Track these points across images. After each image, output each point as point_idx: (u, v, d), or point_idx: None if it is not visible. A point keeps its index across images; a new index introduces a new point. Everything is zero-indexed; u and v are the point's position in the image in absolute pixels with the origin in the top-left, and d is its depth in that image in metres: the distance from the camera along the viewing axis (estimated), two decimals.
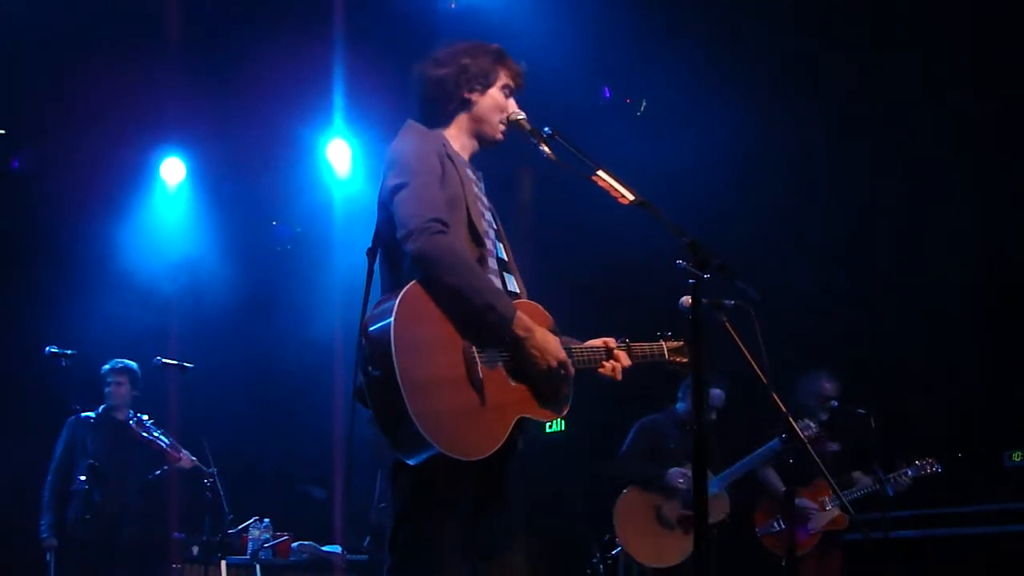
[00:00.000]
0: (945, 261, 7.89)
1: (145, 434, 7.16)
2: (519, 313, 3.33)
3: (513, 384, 3.36)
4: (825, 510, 6.89)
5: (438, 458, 3.13)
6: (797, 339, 7.39)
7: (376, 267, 3.44)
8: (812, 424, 6.61)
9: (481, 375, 3.26)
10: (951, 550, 7.66)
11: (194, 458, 7.28)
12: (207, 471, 7.14)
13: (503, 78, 3.66)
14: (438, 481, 3.23)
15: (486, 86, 3.63)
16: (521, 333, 3.32)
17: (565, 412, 3.49)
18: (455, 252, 3.25)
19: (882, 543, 6.53)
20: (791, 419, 4.26)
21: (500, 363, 3.34)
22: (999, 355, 7.92)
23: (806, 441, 4.74)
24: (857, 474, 6.97)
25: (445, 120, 3.64)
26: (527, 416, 3.38)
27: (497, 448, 3.25)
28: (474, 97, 3.63)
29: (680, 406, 7.17)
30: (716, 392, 6.96)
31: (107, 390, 7.46)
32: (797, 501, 6.94)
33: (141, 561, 7.36)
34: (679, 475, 6.79)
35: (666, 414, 7.25)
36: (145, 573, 7.45)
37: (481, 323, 3.27)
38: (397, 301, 3.15)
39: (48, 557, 7.20)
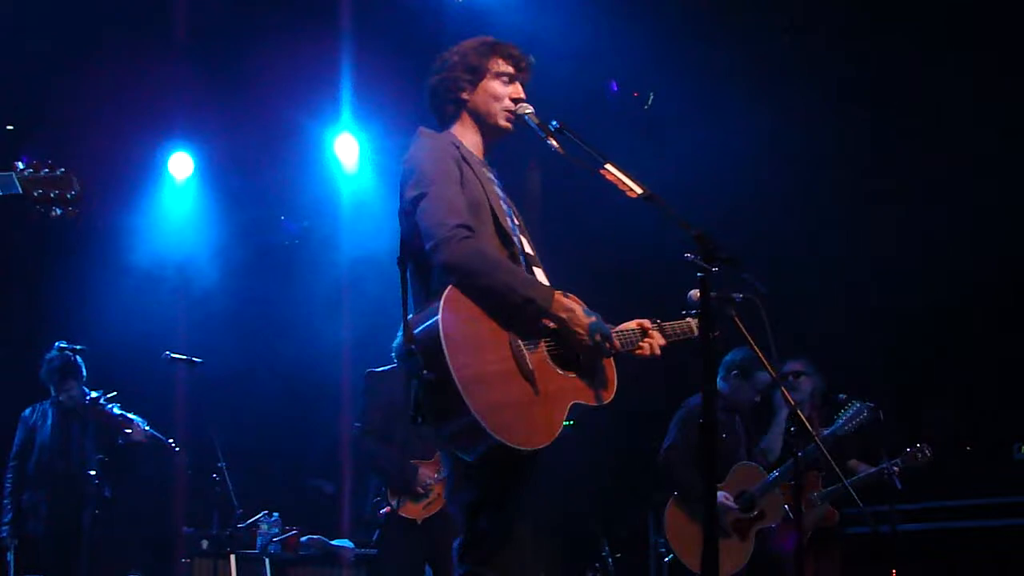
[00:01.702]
0: (954, 256, 7.89)
1: (103, 414, 6.98)
2: (556, 295, 3.37)
3: (561, 372, 3.40)
4: (813, 507, 6.57)
5: (498, 450, 3.16)
6: (806, 334, 7.39)
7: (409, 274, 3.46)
8: (863, 406, 6.33)
9: (531, 366, 3.30)
10: (960, 543, 7.66)
11: (148, 428, 7.06)
12: (168, 443, 7.02)
13: (496, 66, 3.66)
14: (506, 472, 3.29)
15: (476, 80, 3.64)
16: (563, 314, 3.36)
17: (612, 397, 3.52)
18: (484, 255, 3.30)
19: (890, 536, 6.48)
20: (799, 411, 4.26)
21: (546, 353, 3.38)
22: (1008, 347, 7.91)
23: (814, 434, 4.72)
24: (853, 462, 6.79)
25: (450, 122, 3.68)
26: (580, 402, 3.42)
27: (556, 436, 3.30)
28: (466, 95, 3.64)
29: (722, 386, 6.72)
30: (763, 376, 6.60)
31: (60, 397, 7.25)
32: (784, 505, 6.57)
33: (107, 550, 7.19)
34: (723, 499, 6.28)
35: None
36: (118, 561, 7.37)
37: (522, 316, 3.31)
38: (441, 304, 3.19)
39: (8, 557, 7.01)
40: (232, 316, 9.09)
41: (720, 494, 6.19)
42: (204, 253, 9.41)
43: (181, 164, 9.43)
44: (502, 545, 3.32)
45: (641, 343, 3.61)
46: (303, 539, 7.94)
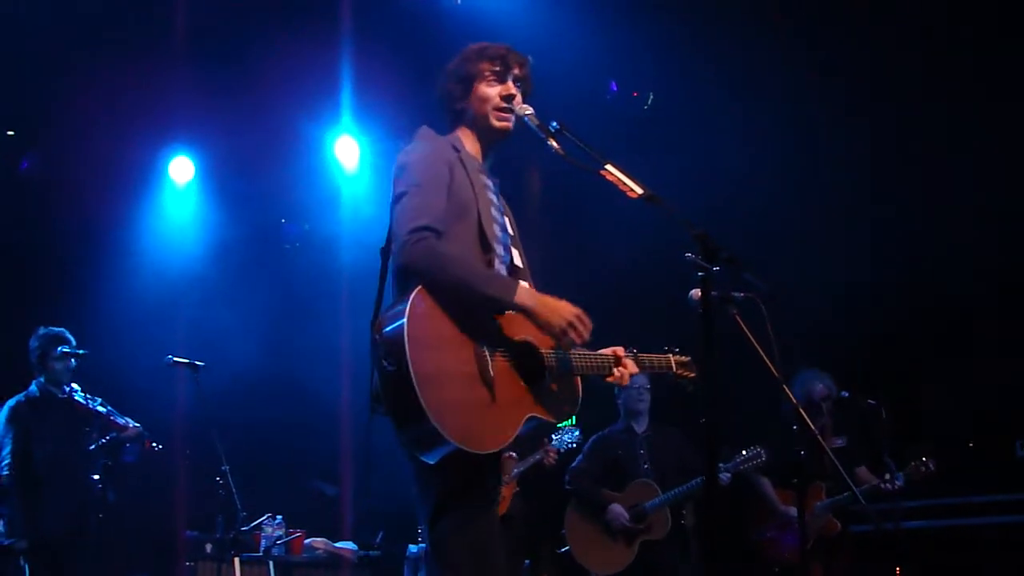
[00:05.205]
0: (956, 253, 7.89)
1: (91, 406, 6.97)
2: (519, 286, 3.35)
3: (524, 384, 3.39)
4: (815, 516, 6.69)
5: (456, 455, 3.16)
6: (812, 332, 7.40)
7: (390, 265, 3.45)
8: (762, 451, 6.65)
9: (492, 373, 3.29)
10: (963, 540, 7.67)
11: (137, 424, 7.10)
12: (148, 436, 7.03)
13: (484, 70, 3.65)
14: (465, 477, 3.26)
15: (468, 89, 3.65)
16: (528, 303, 3.34)
17: (571, 414, 3.58)
18: (436, 253, 3.26)
19: (893, 534, 6.48)
20: (802, 411, 4.26)
21: (512, 364, 3.37)
22: (1010, 344, 7.92)
23: (816, 432, 4.70)
24: (862, 469, 6.83)
25: (454, 126, 3.70)
26: (537, 416, 3.40)
27: (507, 443, 3.29)
28: (460, 104, 3.67)
29: (620, 405, 7.29)
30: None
31: (57, 366, 7.09)
32: (784, 509, 6.87)
33: (108, 551, 7.11)
34: (617, 516, 6.92)
35: (618, 424, 7.33)
36: (122, 565, 7.34)
37: (488, 317, 3.32)
38: (409, 300, 3.20)
39: (21, 561, 6.82)
40: (233, 319, 9.09)
41: (616, 507, 6.96)
42: (205, 256, 9.42)
43: (182, 168, 9.45)
44: (464, 548, 3.26)
45: (614, 370, 3.65)
46: (307, 541, 7.95)
